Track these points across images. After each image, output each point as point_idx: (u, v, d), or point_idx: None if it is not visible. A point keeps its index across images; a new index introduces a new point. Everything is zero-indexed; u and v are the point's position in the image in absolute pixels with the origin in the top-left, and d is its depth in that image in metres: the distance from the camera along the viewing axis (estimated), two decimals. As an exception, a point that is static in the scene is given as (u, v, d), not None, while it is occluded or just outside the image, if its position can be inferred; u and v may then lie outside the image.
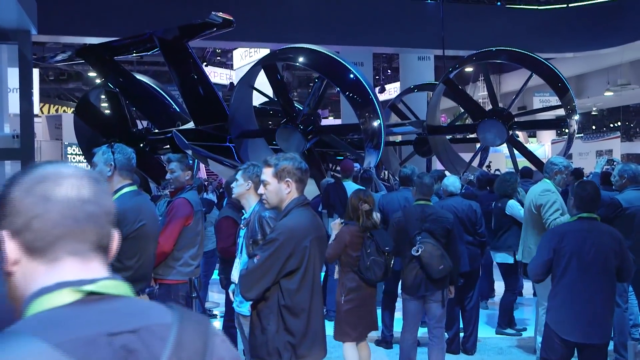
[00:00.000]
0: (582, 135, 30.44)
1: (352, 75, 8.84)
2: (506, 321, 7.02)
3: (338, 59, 9.02)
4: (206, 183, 13.10)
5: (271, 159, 3.15)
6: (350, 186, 7.74)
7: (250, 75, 9.50)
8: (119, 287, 1.02)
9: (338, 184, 7.76)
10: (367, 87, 8.83)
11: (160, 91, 11.90)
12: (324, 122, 25.54)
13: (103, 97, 12.48)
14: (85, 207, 1.03)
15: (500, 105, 12.52)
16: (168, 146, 10.55)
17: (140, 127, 11.93)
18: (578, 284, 3.99)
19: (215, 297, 8.80)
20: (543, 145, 30.90)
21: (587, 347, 4.04)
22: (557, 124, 10.51)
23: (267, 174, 3.12)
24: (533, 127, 11.97)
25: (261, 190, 3.16)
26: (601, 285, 4.00)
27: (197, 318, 1.07)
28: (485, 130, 9.98)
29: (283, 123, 9.24)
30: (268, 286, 2.99)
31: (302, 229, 3.03)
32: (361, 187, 7.72)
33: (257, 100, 12.61)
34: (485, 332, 6.90)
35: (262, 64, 9.46)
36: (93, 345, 0.91)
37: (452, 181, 6.49)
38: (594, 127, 36.55)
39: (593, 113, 34.96)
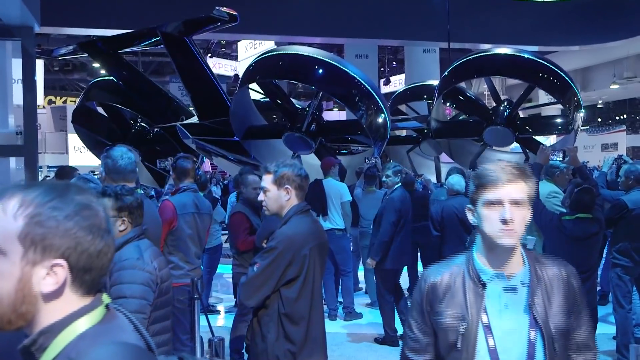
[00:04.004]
0: (587, 128, 30.33)
1: (347, 78, 8.60)
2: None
3: (328, 60, 8.68)
4: (208, 176, 13.08)
5: (271, 166, 3.14)
6: (331, 184, 7.65)
7: (245, 84, 9.45)
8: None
9: (316, 182, 7.69)
10: (366, 84, 8.60)
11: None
12: (329, 114, 25.54)
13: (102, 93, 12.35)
14: None
15: (505, 97, 12.20)
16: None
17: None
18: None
19: (220, 294, 8.83)
20: (548, 138, 30.79)
21: None
22: (566, 127, 10.03)
23: (267, 180, 3.11)
24: (541, 131, 11.46)
25: (261, 197, 3.15)
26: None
27: None
28: (491, 136, 9.73)
29: (288, 129, 9.16)
30: (268, 294, 2.99)
31: (301, 237, 3.03)
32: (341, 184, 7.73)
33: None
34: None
35: (245, 85, 9.35)
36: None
37: (456, 180, 6.38)
38: (599, 120, 36.39)
39: (599, 106, 34.82)
